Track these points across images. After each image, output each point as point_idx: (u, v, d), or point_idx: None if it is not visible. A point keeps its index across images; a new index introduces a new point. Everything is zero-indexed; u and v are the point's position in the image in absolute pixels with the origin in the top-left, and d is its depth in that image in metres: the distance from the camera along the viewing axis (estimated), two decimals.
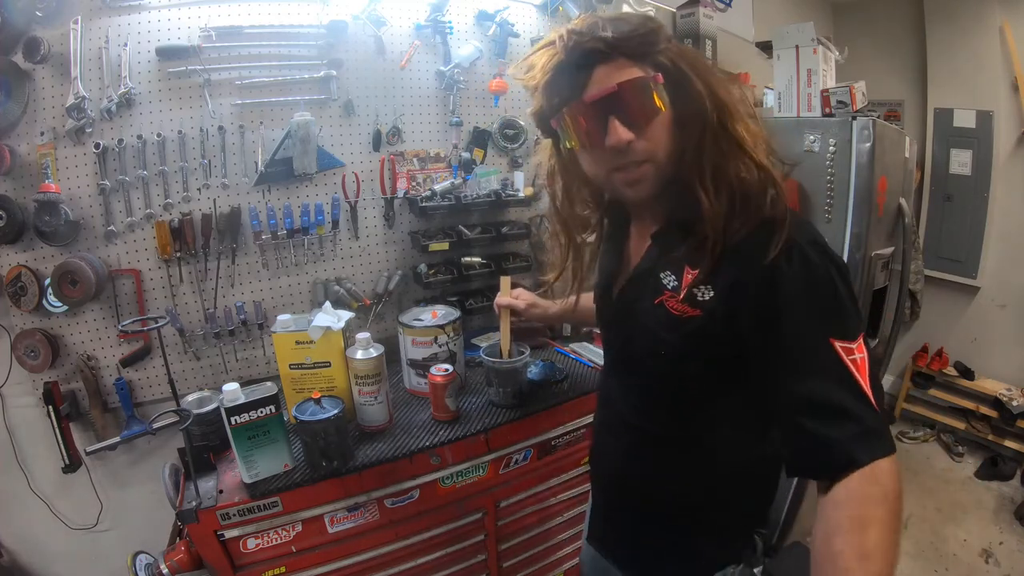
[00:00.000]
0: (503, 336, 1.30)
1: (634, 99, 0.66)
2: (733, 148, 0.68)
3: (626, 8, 1.90)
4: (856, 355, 0.61)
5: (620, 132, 0.66)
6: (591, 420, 1.43)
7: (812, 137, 1.72)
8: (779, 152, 0.72)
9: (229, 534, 1.09)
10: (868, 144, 1.62)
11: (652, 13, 2.00)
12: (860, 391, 0.59)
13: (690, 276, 0.72)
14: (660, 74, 0.67)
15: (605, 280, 0.90)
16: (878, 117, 1.72)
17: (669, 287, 0.74)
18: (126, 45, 1.31)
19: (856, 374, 0.60)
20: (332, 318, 1.25)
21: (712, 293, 0.69)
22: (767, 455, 0.78)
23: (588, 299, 1.20)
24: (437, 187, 1.63)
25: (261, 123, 1.47)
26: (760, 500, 0.87)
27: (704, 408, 0.77)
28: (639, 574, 0.92)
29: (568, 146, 0.74)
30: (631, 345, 0.84)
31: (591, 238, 0.92)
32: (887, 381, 3.17)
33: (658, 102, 0.67)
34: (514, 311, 1.28)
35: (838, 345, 0.60)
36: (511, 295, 1.29)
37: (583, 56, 0.67)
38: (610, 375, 0.95)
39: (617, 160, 0.70)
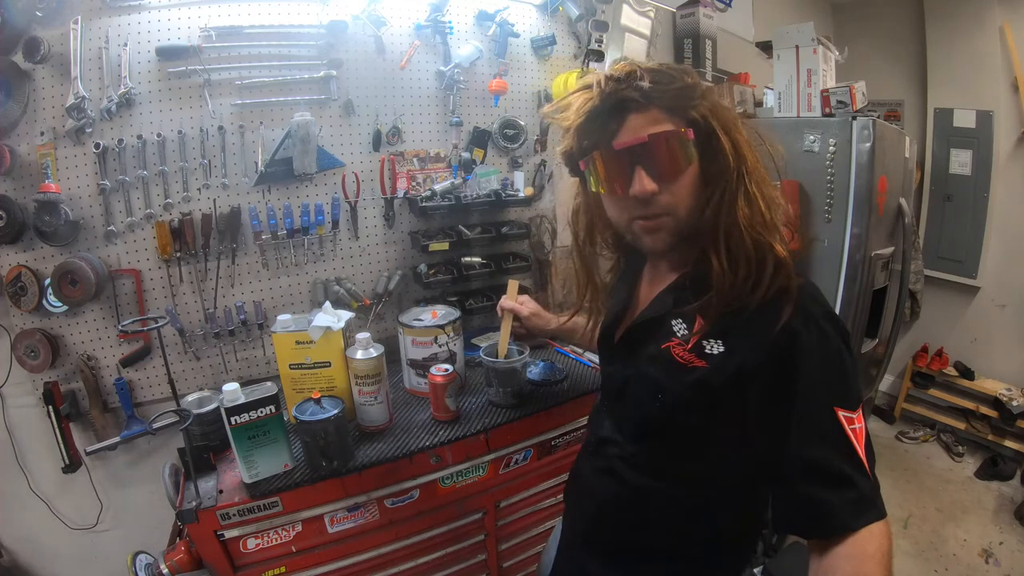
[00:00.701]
0: (502, 338, 1.30)
1: (663, 152, 0.68)
2: (751, 211, 0.68)
3: (626, 8, 1.90)
4: (856, 425, 0.64)
5: (645, 183, 0.68)
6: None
7: (812, 137, 1.72)
8: (793, 219, 0.74)
9: (229, 534, 1.09)
10: (868, 144, 1.62)
11: (652, 13, 2.00)
12: (858, 460, 0.63)
13: (701, 330, 0.73)
14: (691, 130, 0.68)
15: (611, 317, 0.90)
16: (878, 117, 1.73)
17: (679, 335, 0.75)
18: (126, 45, 1.31)
19: (855, 443, 0.63)
20: (332, 318, 1.25)
21: (722, 349, 0.71)
22: (756, 505, 0.80)
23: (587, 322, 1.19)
24: (437, 187, 1.63)
25: (261, 123, 1.47)
26: (746, 543, 0.87)
27: (695, 455, 0.78)
28: None
29: (594, 189, 0.76)
30: (630, 386, 0.84)
31: (608, 277, 0.94)
32: (887, 381, 3.17)
33: (686, 157, 0.68)
34: (516, 316, 1.28)
35: (841, 415, 0.64)
36: (517, 300, 1.28)
37: (618, 104, 0.68)
38: (604, 407, 0.94)
39: (639, 209, 0.71)
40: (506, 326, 1.29)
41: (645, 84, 0.67)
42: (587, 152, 0.72)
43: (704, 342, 0.72)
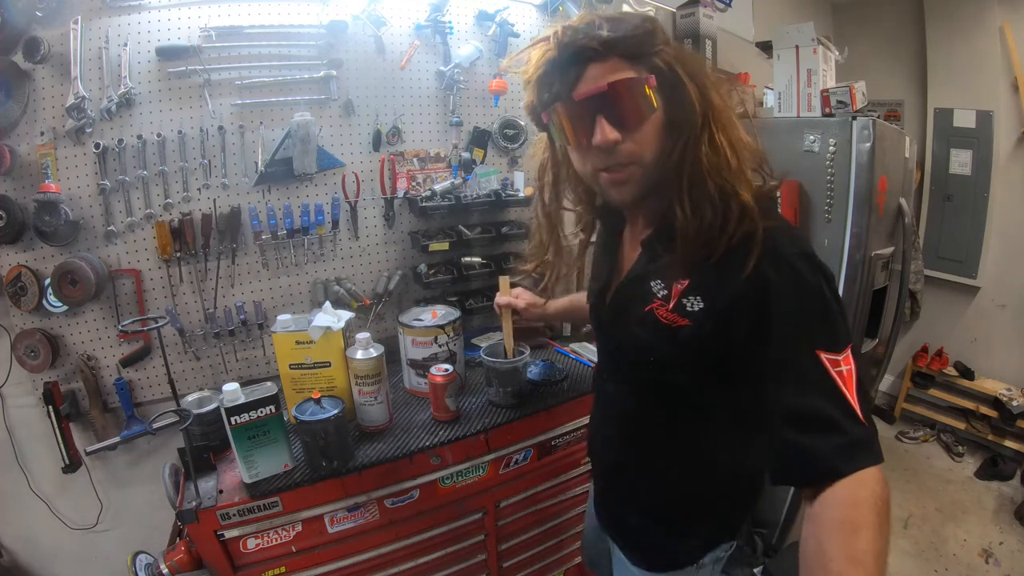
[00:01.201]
0: (506, 335, 1.31)
1: (624, 100, 0.66)
2: (716, 158, 0.67)
3: (626, 8, 1.90)
4: (843, 367, 0.61)
5: (607, 132, 0.66)
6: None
7: (812, 137, 1.72)
8: (771, 162, 0.73)
9: (229, 534, 1.09)
10: (868, 144, 1.62)
11: (652, 13, 2.00)
12: (845, 403, 0.59)
13: (680, 286, 0.72)
14: (653, 76, 0.67)
15: (600, 284, 0.90)
16: (878, 117, 1.72)
17: (659, 295, 0.74)
18: (126, 45, 1.31)
19: (842, 386, 0.60)
20: (332, 318, 1.25)
21: (702, 304, 0.70)
22: (755, 454, 0.79)
23: (584, 298, 1.21)
24: (437, 187, 1.63)
25: (261, 123, 1.47)
26: (750, 489, 0.89)
27: (694, 410, 0.79)
28: (636, 551, 0.95)
29: (558, 142, 0.75)
30: (622, 350, 0.85)
31: (580, 235, 0.93)
32: (887, 381, 3.17)
33: (649, 104, 0.67)
34: (514, 310, 1.29)
35: (824, 357, 0.61)
36: (511, 294, 1.29)
37: (577, 53, 0.67)
38: (604, 375, 0.96)
39: (604, 160, 0.70)
40: (507, 322, 1.29)
41: (604, 33, 0.65)
42: (548, 104, 0.71)
43: (684, 300, 0.71)
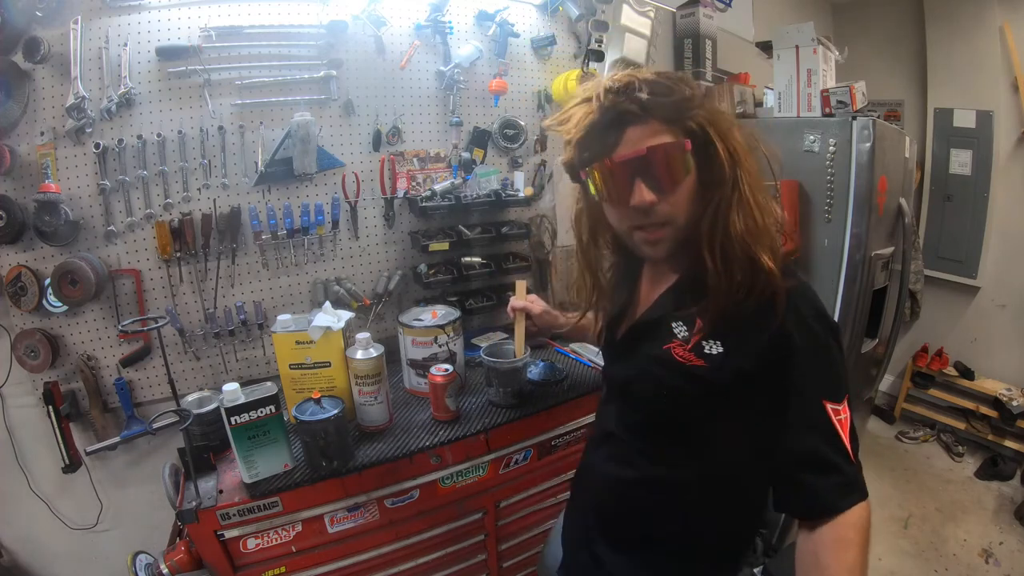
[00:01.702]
0: (517, 339, 1.30)
1: (661, 164, 0.69)
2: (746, 219, 0.70)
3: (626, 8, 1.90)
4: (841, 415, 0.70)
5: (644, 194, 0.70)
6: (591, 420, 1.44)
7: (812, 137, 1.72)
8: (787, 223, 0.77)
9: (229, 534, 1.09)
10: (868, 144, 1.62)
11: (652, 13, 2.00)
12: (843, 447, 0.69)
13: (701, 331, 0.75)
14: (689, 140, 0.70)
15: (613, 316, 0.92)
16: (878, 117, 1.72)
17: (679, 336, 0.77)
18: (126, 45, 1.31)
19: (840, 432, 0.69)
20: (332, 318, 1.25)
21: (720, 349, 0.73)
22: (754, 489, 0.82)
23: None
24: (437, 187, 1.63)
25: (261, 123, 1.47)
26: (751, 524, 0.89)
27: (696, 449, 0.80)
28: None
29: (595, 194, 0.77)
30: (632, 383, 0.86)
31: (608, 275, 0.96)
32: (887, 381, 3.17)
33: (684, 168, 0.70)
34: (528, 315, 1.28)
35: (829, 407, 0.69)
36: (526, 299, 1.28)
37: (617, 117, 0.70)
38: (609, 403, 0.96)
39: (639, 219, 0.74)
40: (520, 327, 1.29)
41: (643, 96, 0.68)
42: (587, 163, 0.74)
43: (704, 343, 0.74)
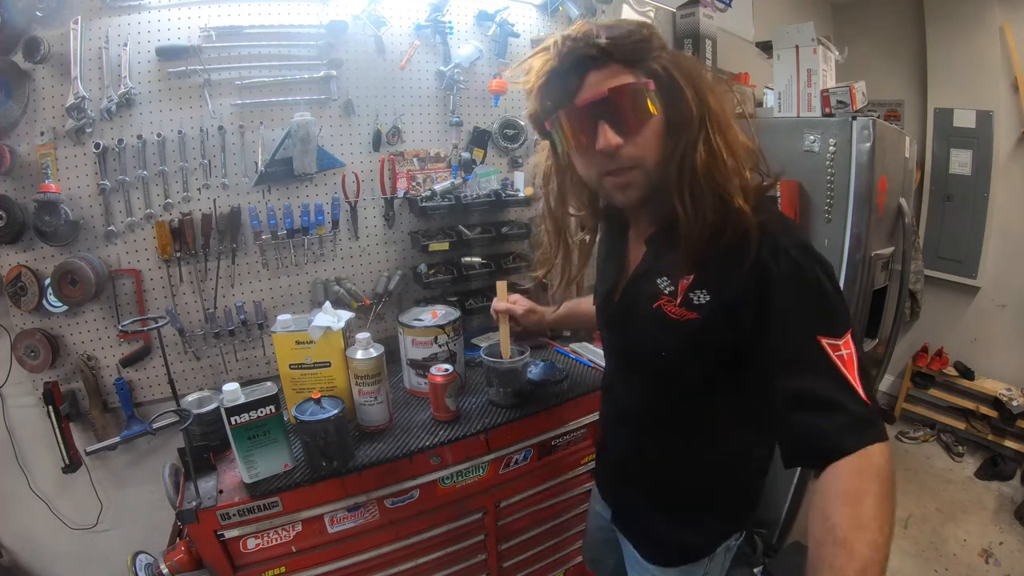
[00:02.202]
0: (503, 340, 1.30)
1: (624, 105, 0.69)
2: (713, 159, 0.69)
3: (626, 8, 1.90)
4: (843, 351, 0.63)
5: (609, 136, 0.69)
6: (591, 420, 1.44)
7: (812, 137, 1.72)
8: (768, 161, 0.76)
9: (229, 534, 1.09)
10: (868, 144, 1.62)
11: (652, 13, 2.00)
12: (847, 384, 0.62)
13: (685, 281, 0.74)
14: (652, 80, 0.69)
15: (608, 286, 0.92)
16: (878, 117, 1.72)
17: (666, 292, 0.77)
18: (126, 45, 1.31)
19: (843, 368, 0.62)
20: (332, 318, 1.25)
21: (708, 297, 0.72)
22: (761, 443, 0.84)
23: (583, 304, 1.21)
24: (437, 187, 1.63)
25: (261, 123, 1.47)
26: (757, 479, 0.91)
27: (704, 402, 0.81)
28: (648, 546, 0.96)
29: (561, 149, 0.77)
30: (633, 347, 0.87)
31: (586, 238, 0.95)
32: (887, 381, 3.17)
33: (648, 108, 0.69)
34: (512, 317, 1.28)
35: (825, 342, 0.63)
36: (508, 300, 1.28)
37: (577, 61, 0.69)
38: (613, 374, 0.99)
39: (607, 164, 0.72)
40: (504, 328, 1.29)
41: (602, 40, 0.67)
42: (551, 112, 0.73)
43: (691, 294, 0.74)
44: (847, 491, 0.58)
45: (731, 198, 0.68)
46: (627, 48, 0.68)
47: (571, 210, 0.91)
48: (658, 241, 0.80)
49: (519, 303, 1.28)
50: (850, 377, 0.62)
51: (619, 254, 0.91)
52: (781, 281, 0.66)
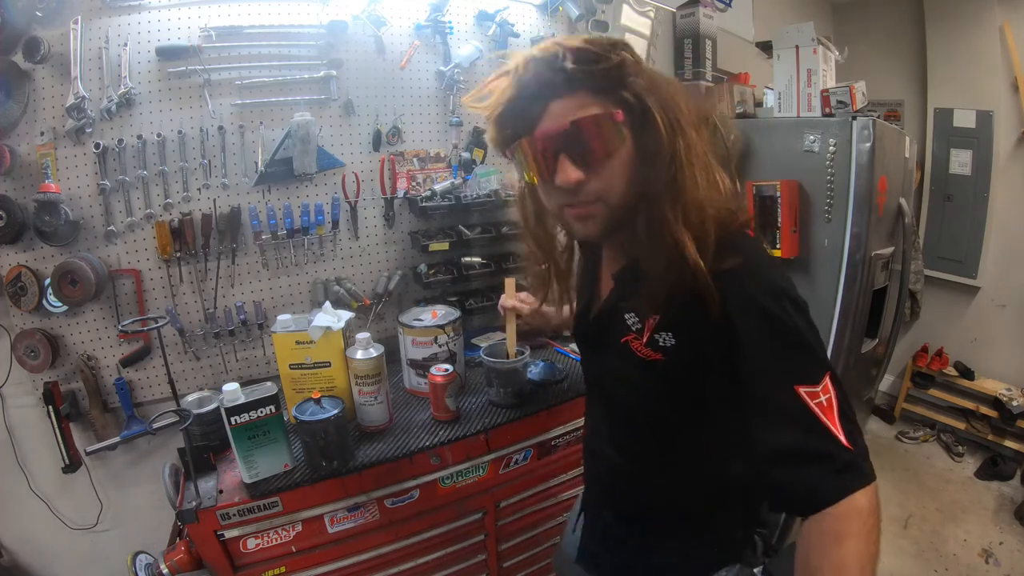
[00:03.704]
0: (509, 338, 1.30)
1: (588, 138, 0.63)
2: (683, 197, 0.64)
3: (626, 8, 1.90)
4: (821, 397, 0.61)
5: (569, 172, 0.64)
6: None
7: (812, 137, 1.72)
8: (734, 195, 0.72)
9: (229, 534, 1.09)
10: (868, 144, 1.62)
11: (652, 13, 2.00)
12: (828, 433, 0.60)
13: (652, 321, 0.71)
14: (620, 111, 0.63)
15: (582, 307, 0.90)
16: (878, 117, 1.72)
17: (633, 329, 0.74)
18: (126, 45, 1.31)
19: (822, 417, 0.60)
20: (332, 318, 1.25)
21: (674, 341, 0.69)
22: (744, 471, 0.78)
23: None
24: (437, 187, 1.63)
25: (261, 123, 1.47)
26: (744, 507, 0.86)
27: (673, 438, 0.79)
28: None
29: (524, 178, 0.73)
30: (604, 374, 0.85)
31: (565, 255, 0.90)
32: (887, 381, 3.17)
33: (613, 140, 0.64)
34: (519, 314, 1.27)
35: (803, 391, 0.61)
36: (516, 298, 1.28)
37: (540, 88, 0.63)
38: (590, 397, 0.97)
39: (567, 198, 0.68)
40: (511, 326, 1.29)
41: (568, 65, 0.61)
42: (511, 141, 0.68)
43: (656, 335, 0.70)
44: (827, 532, 0.57)
45: (702, 236, 0.64)
46: (596, 74, 0.62)
47: (549, 228, 0.85)
48: (626, 277, 0.76)
49: (526, 301, 1.27)
50: (830, 425, 0.60)
51: (592, 277, 0.88)
52: (752, 333, 0.63)
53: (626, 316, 0.75)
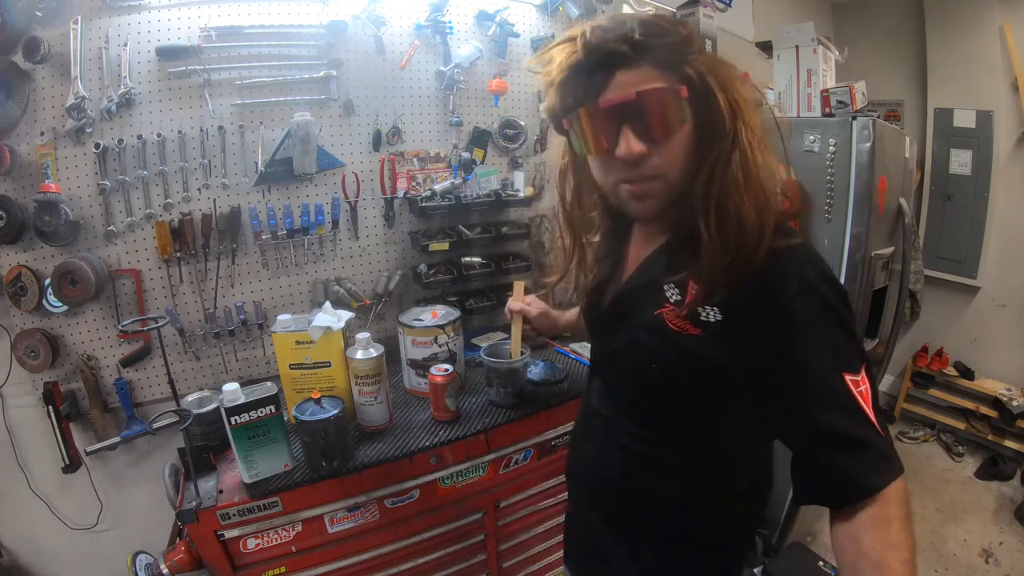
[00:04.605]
0: (514, 341, 1.28)
1: (653, 111, 0.62)
2: (745, 178, 0.64)
3: (626, 8, 1.90)
4: (862, 387, 0.63)
5: (632, 144, 0.63)
6: None
7: (812, 137, 1.72)
8: (791, 183, 0.71)
9: (229, 534, 1.09)
10: (868, 144, 1.62)
11: (651, 13, 2.00)
12: (868, 420, 0.62)
13: (695, 294, 0.68)
14: (685, 87, 0.63)
15: (597, 282, 0.87)
16: (878, 117, 1.72)
17: (672, 300, 0.71)
18: (126, 45, 1.31)
19: (863, 404, 0.62)
20: (332, 318, 1.25)
21: (720, 317, 0.67)
22: (750, 467, 0.79)
23: None
24: (437, 187, 1.63)
25: (261, 123, 1.47)
26: (747, 509, 0.84)
27: (688, 420, 0.76)
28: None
29: (580, 151, 0.71)
30: (621, 353, 0.81)
31: (595, 238, 0.89)
32: (887, 381, 3.17)
33: (678, 117, 0.63)
34: (526, 318, 1.24)
35: (848, 379, 0.62)
36: (524, 301, 1.25)
37: (605, 57, 0.63)
38: (595, 377, 0.93)
39: (627, 172, 0.67)
40: (516, 329, 1.26)
41: (635, 36, 0.61)
42: (571, 110, 0.67)
43: (700, 309, 0.68)
44: (875, 516, 0.60)
45: (757, 220, 0.63)
46: (663, 49, 0.62)
47: (586, 211, 0.84)
48: (674, 251, 0.74)
49: (534, 305, 1.24)
50: (870, 413, 0.62)
51: (617, 253, 0.86)
52: (808, 316, 0.63)
53: (666, 288, 0.72)
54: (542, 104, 0.74)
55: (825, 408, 0.63)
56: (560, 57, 0.66)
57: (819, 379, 0.63)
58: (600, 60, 0.63)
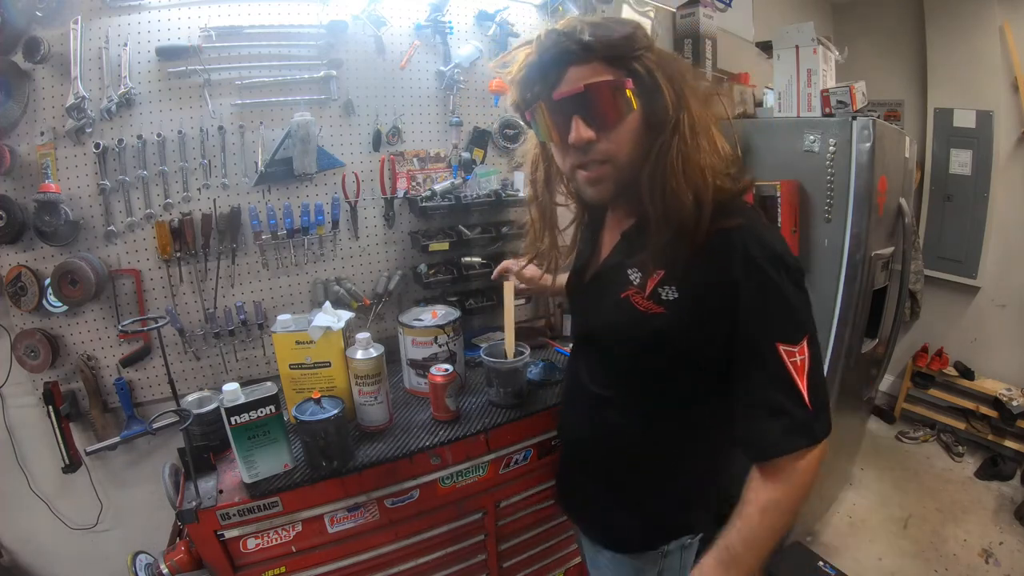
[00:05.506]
0: (507, 313, 1.27)
1: (600, 101, 0.70)
2: (686, 162, 0.71)
3: (626, 8, 1.90)
4: (797, 357, 0.70)
5: (582, 131, 0.71)
6: None
7: (812, 137, 1.72)
8: (749, 167, 0.78)
9: (229, 534, 1.09)
10: (868, 144, 1.62)
11: (652, 13, 2.00)
12: (795, 391, 0.70)
13: (656, 276, 0.77)
14: (631, 79, 0.71)
15: (579, 264, 0.95)
16: (878, 117, 1.72)
17: (635, 283, 0.80)
18: (126, 45, 1.31)
19: (794, 375, 0.70)
20: (332, 318, 1.25)
21: (676, 295, 0.75)
22: (718, 433, 0.84)
23: None
24: (437, 187, 1.63)
25: (261, 123, 1.47)
26: (714, 471, 0.92)
27: (660, 390, 0.84)
28: (596, 529, 1.00)
29: (541, 139, 0.80)
30: (597, 332, 0.91)
31: (570, 228, 0.98)
32: (887, 381, 3.17)
33: (623, 106, 0.71)
34: (519, 276, 1.26)
35: (782, 349, 0.70)
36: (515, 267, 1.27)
37: (558, 55, 0.70)
38: (577, 352, 1.02)
39: (579, 157, 0.75)
40: (509, 296, 1.27)
41: (584, 37, 0.69)
42: (531, 104, 0.75)
43: (659, 289, 0.76)
44: (765, 475, 0.72)
45: (704, 197, 0.70)
46: (609, 45, 0.70)
47: (559, 199, 0.93)
48: (633, 235, 0.83)
49: (527, 269, 1.25)
50: (799, 384, 0.70)
51: (594, 236, 0.94)
52: (750, 294, 0.70)
53: (629, 272, 0.80)
54: (508, 100, 0.83)
55: (754, 375, 0.72)
56: (521, 56, 0.75)
57: (751, 347, 0.72)
58: (553, 58, 0.71)
